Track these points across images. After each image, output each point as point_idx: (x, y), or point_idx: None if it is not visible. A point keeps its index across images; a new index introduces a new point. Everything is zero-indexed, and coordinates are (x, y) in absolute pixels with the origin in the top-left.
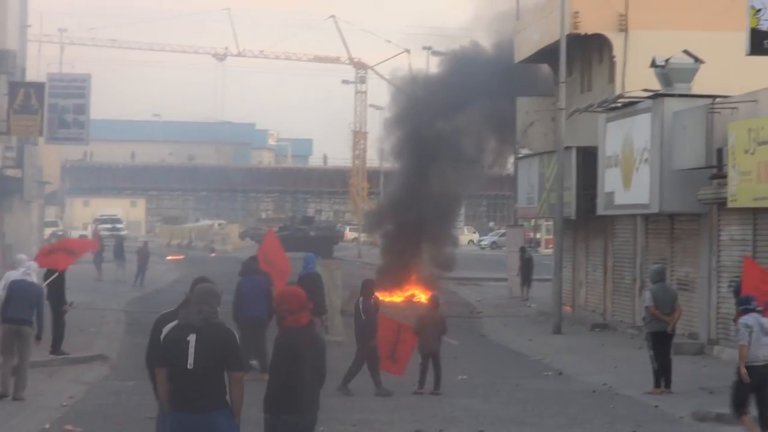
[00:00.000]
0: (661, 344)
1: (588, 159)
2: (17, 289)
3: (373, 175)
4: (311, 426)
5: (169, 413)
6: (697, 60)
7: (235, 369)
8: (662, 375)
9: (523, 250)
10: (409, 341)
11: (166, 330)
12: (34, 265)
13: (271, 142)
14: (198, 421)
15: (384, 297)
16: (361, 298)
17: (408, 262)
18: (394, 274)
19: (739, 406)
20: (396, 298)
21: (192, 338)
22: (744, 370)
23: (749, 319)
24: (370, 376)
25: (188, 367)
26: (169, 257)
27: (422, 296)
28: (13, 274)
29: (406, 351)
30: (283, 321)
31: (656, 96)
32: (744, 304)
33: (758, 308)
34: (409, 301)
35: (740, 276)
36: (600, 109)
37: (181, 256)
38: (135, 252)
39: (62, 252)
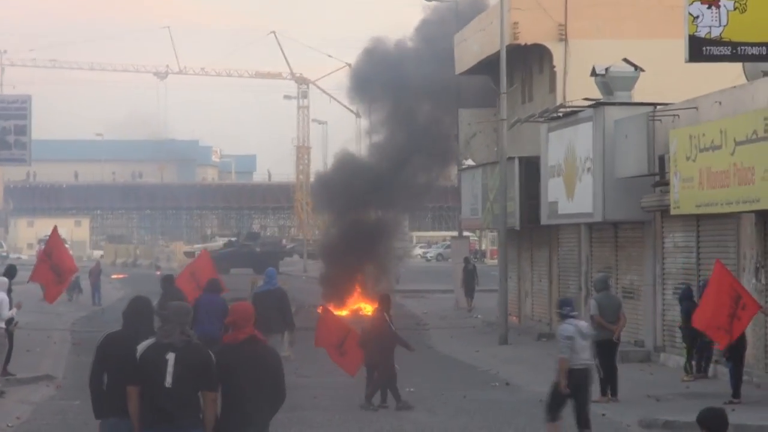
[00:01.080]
0: (606, 352)
1: (531, 169)
2: None
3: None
4: None
5: (141, 431)
6: (637, 68)
7: (210, 389)
8: (608, 383)
9: (466, 260)
10: (354, 346)
11: (142, 348)
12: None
13: (215, 158)
14: None
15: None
16: (382, 313)
17: (352, 275)
18: (336, 287)
19: (553, 411)
20: (342, 311)
21: (171, 357)
22: (564, 382)
23: (569, 329)
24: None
25: (166, 385)
26: (113, 276)
27: (368, 309)
28: None
29: (354, 350)
30: (224, 336)
31: (597, 105)
32: (562, 308)
33: (573, 313)
34: (356, 314)
35: (686, 283)
36: (541, 119)
37: (123, 275)
38: (87, 272)
39: (52, 273)
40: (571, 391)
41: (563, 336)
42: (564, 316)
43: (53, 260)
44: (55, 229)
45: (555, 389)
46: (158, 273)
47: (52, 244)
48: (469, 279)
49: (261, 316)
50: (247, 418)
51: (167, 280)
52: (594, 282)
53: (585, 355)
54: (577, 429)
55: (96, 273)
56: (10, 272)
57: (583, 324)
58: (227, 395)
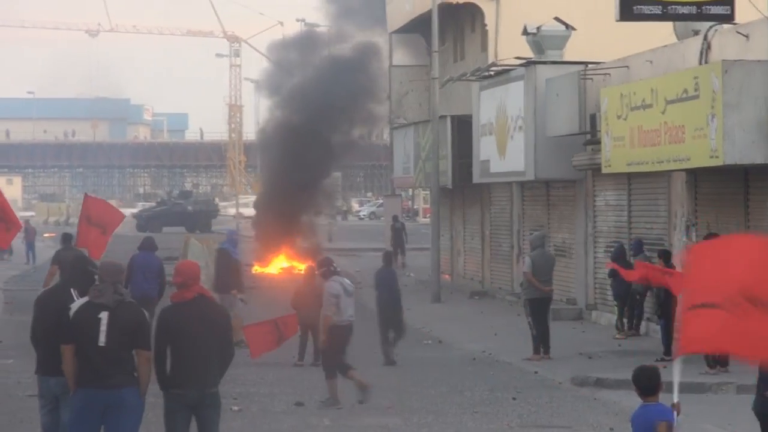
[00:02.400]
0: (538, 310)
1: (463, 128)
2: None
3: (250, 148)
4: (207, 401)
5: (75, 390)
6: (568, 27)
7: (144, 347)
8: (541, 341)
9: (395, 219)
10: (291, 327)
11: (75, 307)
12: None
13: (147, 117)
14: (107, 397)
15: (260, 269)
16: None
17: (284, 233)
18: (269, 245)
19: (342, 367)
20: (272, 269)
21: (104, 316)
22: (325, 337)
23: (335, 286)
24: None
25: (99, 344)
26: (45, 234)
27: (300, 267)
28: None
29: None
30: (171, 295)
31: (528, 63)
32: (322, 267)
33: (338, 270)
34: (288, 273)
35: (618, 241)
36: (473, 78)
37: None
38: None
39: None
40: (340, 347)
41: (331, 294)
42: (328, 274)
43: None
44: None
45: (326, 349)
46: None
47: None
48: (398, 237)
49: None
50: (198, 376)
51: (65, 239)
52: (531, 239)
53: (350, 312)
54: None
55: (30, 232)
56: None
57: (347, 282)
58: (177, 353)
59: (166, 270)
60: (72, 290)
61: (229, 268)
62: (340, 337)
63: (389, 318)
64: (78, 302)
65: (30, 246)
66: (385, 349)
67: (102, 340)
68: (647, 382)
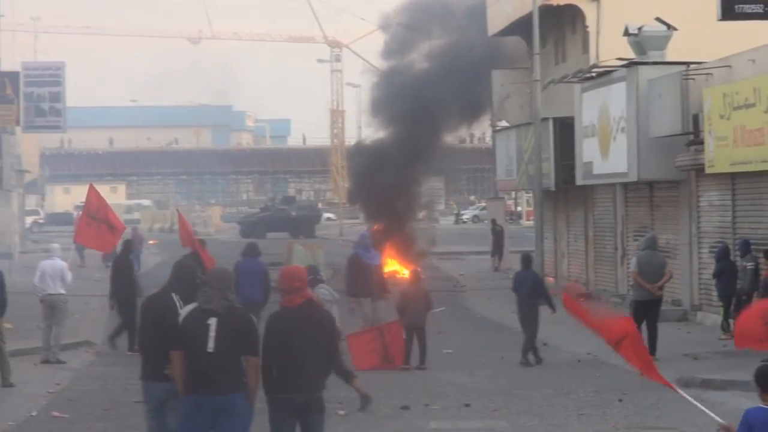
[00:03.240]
0: (645, 312)
1: (565, 130)
2: None
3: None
4: (313, 406)
5: (184, 396)
6: (669, 27)
7: (253, 353)
8: (648, 342)
9: (493, 222)
10: (395, 333)
11: (184, 313)
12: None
13: (249, 123)
14: (216, 403)
15: None
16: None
17: (389, 237)
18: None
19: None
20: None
21: (213, 322)
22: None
23: (325, 292)
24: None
25: (208, 350)
26: (150, 241)
27: (405, 271)
28: (46, 264)
29: (398, 345)
30: (281, 300)
31: (630, 64)
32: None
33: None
34: (392, 277)
35: (722, 242)
36: (575, 80)
37: (157, 241)
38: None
39: (104, 225)
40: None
41: (325, 300)
42: (317, 282)
43: (99, 218)
44: (91, 186)
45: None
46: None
47: (95, 203)
48: (497, 240)
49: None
50: (304, 381)
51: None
52: (642, 240)
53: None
54: None
55: (137, 239)
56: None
57: (332, 290)
58: (284, 358)
59: (270, 275)
60: (173, 295)
61: (361, 273)
62: None
63: (526, 319)
64: (187, 308)
65: (136, 254)
66: (526, 349)
67: (211, 345)
68: None
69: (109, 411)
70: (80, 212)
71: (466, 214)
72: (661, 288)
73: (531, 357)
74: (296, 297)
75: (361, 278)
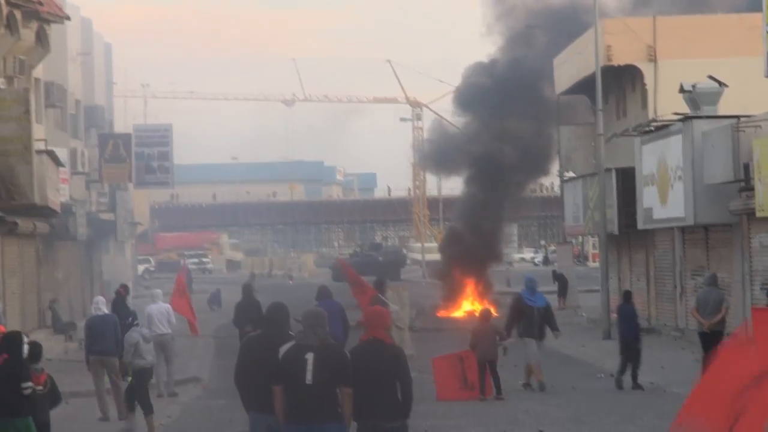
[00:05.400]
0: (710, 342)
1: (627, 179)
2: (99, 323)
3: (433, 203)
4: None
5: (286, 426)
6: (721, 84)
7: (347, 384)
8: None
9: (554, 271)
10: (472, 361)
11: (283, 350)
12: (102, 299)
13: (339, 177)
14: (315, 431)
15: (445, 313)
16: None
17: (467, 279)
18: (453, 291)
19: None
20: (456, 313)
21: (310, 357)
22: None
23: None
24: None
25: (306, 382)
26: None
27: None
28: (153, 308)
29: (475, 372)
30: (361, 336)
31: (686, 118)
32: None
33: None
34: (470, 316)
35: None
36: (635, 133)
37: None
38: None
39: (185, 298)
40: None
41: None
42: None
43: (187, 295)
44: (184, 265)
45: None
46: (291, 282)
47: (182, 285)
48: (561, 283)
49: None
50: (383, 407)
51: (246, 288)
52: (704, 278)
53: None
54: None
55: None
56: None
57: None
58: (363, 389)
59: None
60: (272, 335)
61: (523, 315)
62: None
63: (629, 348)
64: (286, 345)
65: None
66: (619, 377)
67: (309, 378)
68: None
69: None
70: (185, 261)
71: (537, 257)
72: (717, 322)
73: (623, 379)
74: (371, 333)
75: (523, 319)
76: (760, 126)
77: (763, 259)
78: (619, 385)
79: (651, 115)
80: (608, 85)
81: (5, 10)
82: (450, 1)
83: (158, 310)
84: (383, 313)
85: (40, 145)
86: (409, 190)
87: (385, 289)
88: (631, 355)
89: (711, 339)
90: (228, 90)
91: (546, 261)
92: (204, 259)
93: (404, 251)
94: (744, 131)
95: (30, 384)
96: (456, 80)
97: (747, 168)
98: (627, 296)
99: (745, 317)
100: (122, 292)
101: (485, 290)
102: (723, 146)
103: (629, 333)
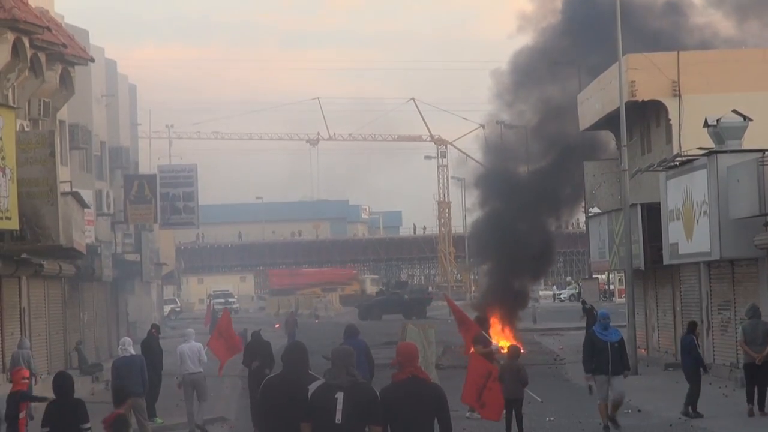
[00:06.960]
0: (756, 373)
1: (652, 214)
2: (126, 364)
3: (458, 240)
4: None
5: None
6: (745, 118)
7: (377, 423)
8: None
9: (583, 303)
10: (495, 389)
11: (313, 388)
12: (128, 340)
13: (364, 215)
14: None
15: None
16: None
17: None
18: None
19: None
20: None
21: (339, 396)
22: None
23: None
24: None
25: (336, 421)
26: (276, 325)
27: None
28: (185, 347)
29: (493, 397)
30: (393, 375)
31: (710, 153)
32: None
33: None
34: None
35: None
36: (660, 168)
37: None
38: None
39: (223, 340)
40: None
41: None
42: None
43: (225, 337)
44: (225, 311)
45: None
46: (317, 321)
47: (225, 325)
48: (589, 317)
49: None
50: None
51: (255, 335)
52: (746, 310)
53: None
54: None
55: (292, 323)
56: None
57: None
58: (397, 428)
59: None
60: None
61: (597, 350)
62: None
63: (691, 377)
64: (315, 383)
65: (291, 336)
66: (689, 401)
67: (338, 417)
68: None
69: None
70: (211, 301)
71: (564, 293)
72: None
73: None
74: (404, 371)
75: (597, 355)
76: None
77: None
78: (688, 413)
79: (675, 150)
80: (633, 121)
81: (29, 52)
82: (472, 38)
83: (190, 349)
84: (414, 348)
85: (66, 187)
86: (425, 227)
87: (489, 327)
88: (693, 385)
89: (757, 370)
90: (252, 130)
91: (578, 297)
92: (230, 299)
93: (430, 289)
94: None
95: (89, 425)
96: (480, 118)
97: None
98: (691, 327)
99: None
100: (154, 333)
101: (512, 327)
102: (748, 180)
103: (691, 365)
